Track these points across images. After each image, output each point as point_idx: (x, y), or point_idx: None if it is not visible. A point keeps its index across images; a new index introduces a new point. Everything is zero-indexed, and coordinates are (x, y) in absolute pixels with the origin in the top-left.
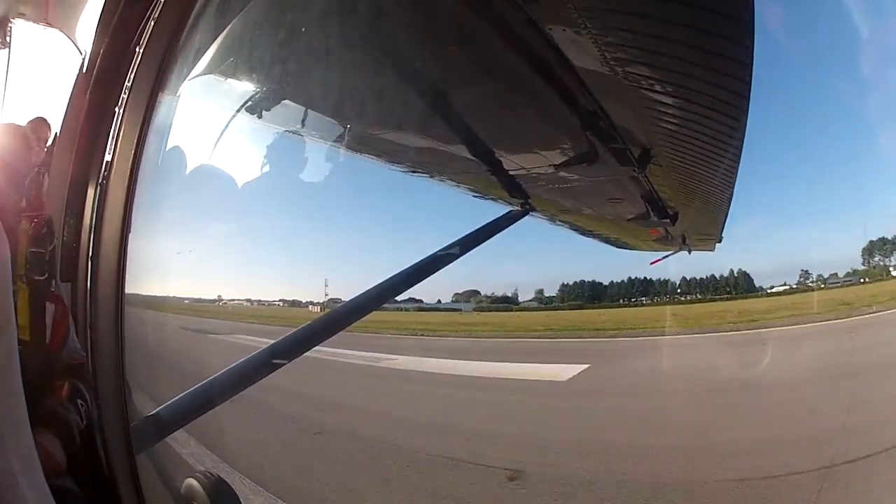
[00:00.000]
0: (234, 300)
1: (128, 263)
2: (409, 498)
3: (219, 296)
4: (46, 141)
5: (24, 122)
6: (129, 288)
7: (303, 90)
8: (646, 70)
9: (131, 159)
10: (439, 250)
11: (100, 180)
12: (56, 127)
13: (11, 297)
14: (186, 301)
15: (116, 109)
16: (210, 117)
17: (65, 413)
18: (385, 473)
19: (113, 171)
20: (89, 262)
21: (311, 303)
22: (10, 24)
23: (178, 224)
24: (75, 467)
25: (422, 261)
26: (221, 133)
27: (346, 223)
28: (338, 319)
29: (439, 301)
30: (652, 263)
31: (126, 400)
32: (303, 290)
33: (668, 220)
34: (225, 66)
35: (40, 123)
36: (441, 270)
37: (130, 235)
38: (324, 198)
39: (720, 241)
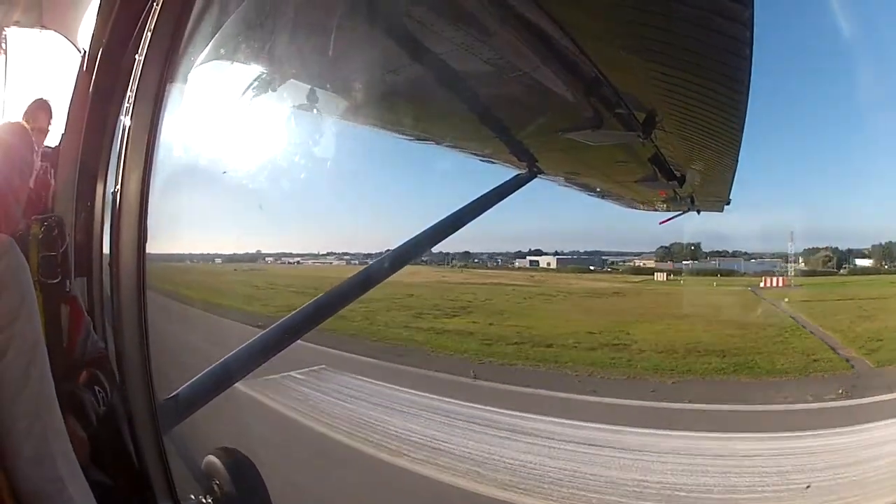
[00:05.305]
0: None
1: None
2: None
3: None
4: (46, 131)
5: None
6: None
7: (313, 65)
8: (649, 37)
9: (145, 149)
10: (447, 216)
11: (112, 172)
12: (55, 122)
13: (37, 308)
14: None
15: (125, 102)
16: (222, 100)
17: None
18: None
19: (127, 163)
20: (108, 254)
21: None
22: (4, 33)
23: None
24: (100, 456)
25: (430, 228)
26: (232, 116)
27: (357, 193)
28: (350, 290)
29: None
30: (661, 223)
31: (152, 385)
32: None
33: (675, 182)
34: (236, 46)
35: (37, 110)
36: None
37: (148, 223)
38: (335, 171)
39: (728, 203)
